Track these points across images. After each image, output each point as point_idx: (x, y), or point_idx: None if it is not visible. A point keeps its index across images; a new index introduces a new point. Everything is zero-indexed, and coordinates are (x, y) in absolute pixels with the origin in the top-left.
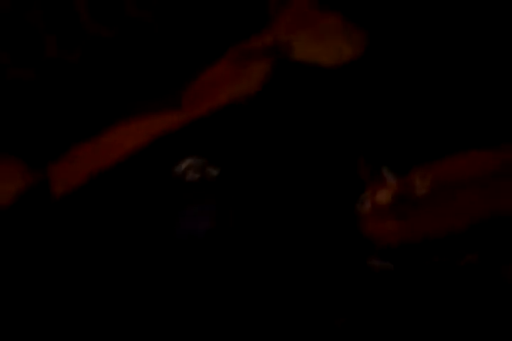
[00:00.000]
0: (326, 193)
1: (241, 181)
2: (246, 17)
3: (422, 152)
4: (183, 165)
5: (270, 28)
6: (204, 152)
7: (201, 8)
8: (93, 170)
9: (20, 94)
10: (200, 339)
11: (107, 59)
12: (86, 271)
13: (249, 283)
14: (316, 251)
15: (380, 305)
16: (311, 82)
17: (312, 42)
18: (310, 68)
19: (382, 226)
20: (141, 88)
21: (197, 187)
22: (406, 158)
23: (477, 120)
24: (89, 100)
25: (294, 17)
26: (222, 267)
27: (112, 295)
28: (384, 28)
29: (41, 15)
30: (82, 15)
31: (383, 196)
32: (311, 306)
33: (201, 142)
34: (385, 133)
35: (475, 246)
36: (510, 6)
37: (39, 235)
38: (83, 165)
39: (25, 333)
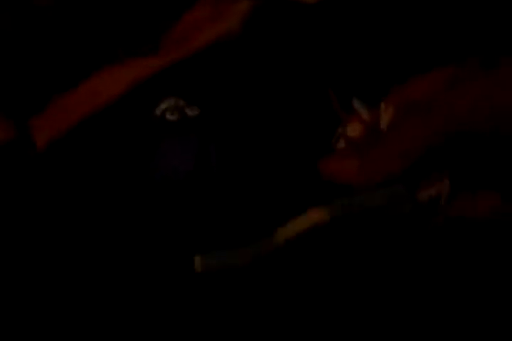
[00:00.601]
0: (303, 129)
1: (221, 121)
2: None
3: (390, 80)
4: (162, 106)
5: None
6: (183, 93)
7: None
8: (76, 119)
9: None
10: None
11: (82, 5)
12: (73, 219)
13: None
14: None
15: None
16: (292, 20)
17: None
18: (290, 4)
19: (343, 165)
20: (121, 35)
21: (176, 127)
22: (376, 87)
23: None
24: (69, 49)
25: None
26: (204, 207)
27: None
28: None
29: None
30: None
31: (355, 129)
32: None
33: (180, 83)
34: (355, 64)
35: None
36: None
37: (24, 186)
38: (66, 115)
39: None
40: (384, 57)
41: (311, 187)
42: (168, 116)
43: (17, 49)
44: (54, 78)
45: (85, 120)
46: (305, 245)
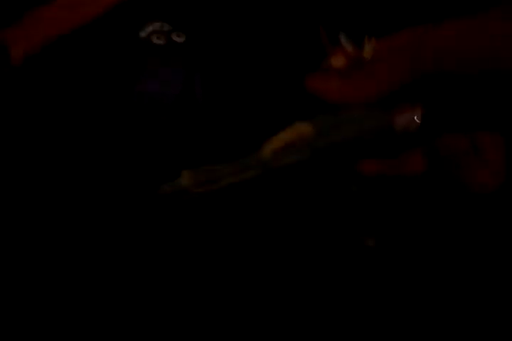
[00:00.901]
0: (288, 58)
1: (207, 49)
2: None
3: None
4: (148, 29)
5: None
6: (169, 18)
7: None
8: (53, 33)
9: None
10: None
11: None
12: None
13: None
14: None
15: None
16: None
17: None
18: None
19: (326, 83)
20: None
21: (163, 51)
22: (362, 26)
23: None
24: None
25: None
26: (190, 127)
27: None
28: None
29: None
30: None
31: (339, 60)
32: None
33: (166, 8)
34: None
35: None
36: None
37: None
38: (44, 28)
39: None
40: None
41: (297, 105)
42: (155, 40)
43: None
44: None
45: (64, 36)
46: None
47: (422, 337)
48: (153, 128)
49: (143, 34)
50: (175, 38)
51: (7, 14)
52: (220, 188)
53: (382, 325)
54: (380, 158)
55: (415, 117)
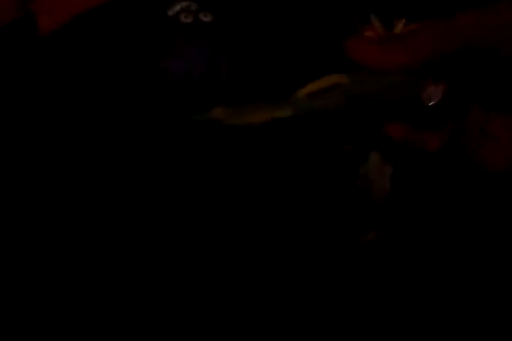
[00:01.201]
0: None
1: (234, 30)
2: None
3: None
4: (176, 8)
5: None
6: None
7: None
8: (83, 6)
9: None
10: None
11: None
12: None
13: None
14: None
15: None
16: None
17: None
18: None
19: (363, 48)
20: None
21: (190, 29)
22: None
23: None
24: None
25: None
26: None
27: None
28: None
29: None
30: None
31: (369, 34)
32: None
33: None
34: None
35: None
36: None
37: (25, 71)
38: (67, 3)
39: None
40: None
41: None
42: (182, 18)
43: None
44: None
45: (92, 10)
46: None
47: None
48: (178, 106)
49: (170, 12)
50: (202, 17)
51: None
52: (249, 124)
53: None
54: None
55: (439, 91)
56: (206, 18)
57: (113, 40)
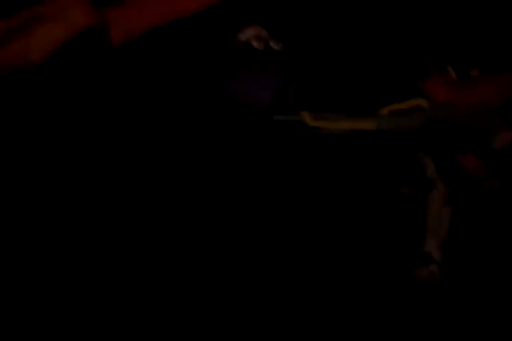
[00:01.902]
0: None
1: (304, 60)
2: None
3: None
4: (248, 33)
5: None
6: (268, 25)
7: None
8: (156, 21)
9: None
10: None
11: None
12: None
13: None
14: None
15: None
16: None
17: None
18: None
19: (438, 89)
20: None
21: (261, 55)
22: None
23: None
24: None
25: None
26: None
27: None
28: None
29: None
30: None
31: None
32: None
33: (265, 14)
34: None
35: None
36: None
37: (92, 80)
38: (147, 15)
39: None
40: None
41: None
42: (254, 44)
43: None
44: None
45: (163, 26)
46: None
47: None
48: (242, 129)
49: (242, 37)
50: (273, 45)
51: None
52: (332, 131)
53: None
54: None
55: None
56: (277, 47)
57: (182, 59)
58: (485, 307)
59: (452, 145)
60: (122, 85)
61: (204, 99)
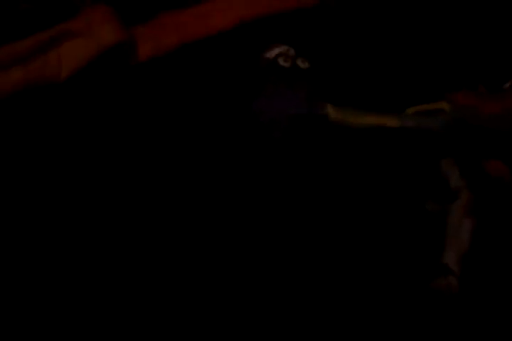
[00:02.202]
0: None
1: (331, 78)
2: None
3: None
4: (275, 51)
5: None
6: (295, 43)
7: None
8: (184, 39)
9: None
10: None
11: None
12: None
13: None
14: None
15: None
16: None
17: None
18: None
19: (468, 99)
20: None
21: (288, 74)
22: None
23: None
24: None
25: None
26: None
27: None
28: None
29: None
30: None
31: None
32: None
33: (292, 32)
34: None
35: None
36: None
37: (117, 96)
38: (175, 32)
39: None
40: None
41: None
42: (281, 62)
43: None
44: None
45: (191, 44)
46: None
47: None
48: (266, 147)
49: (268, 55)
50: (299, 63)
51: (141, 11)
52: (355, 125)
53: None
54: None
55: None
56: (304, 65)
57: (208, 76)
58: (502, 322)
59: (478, 149)
60: (147, 101)
61: (229, 117)
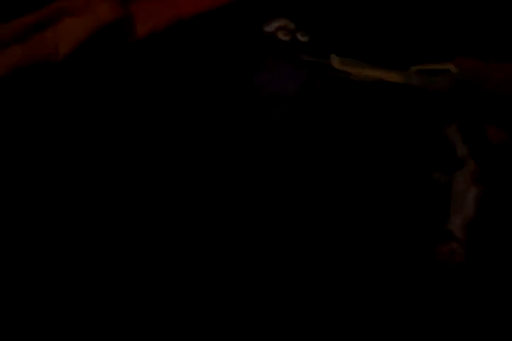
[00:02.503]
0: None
1: (330, 49)
2: None
3: None
4: (274, 25)
5: None
6: (294, 17)
7: None
8: (183, 14)
9: None
10: None
11: None
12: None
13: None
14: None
15: None
16: None
17: None
18: None
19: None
20: None
21: (287, 48)
22: None
23: None
24: None
25: None
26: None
27: None
28: None
29: None
30: None
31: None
32: None
33: (292, 6)
34: None
35: None
36: None
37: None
38: (168, 8)
39: None
40: None
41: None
42: (280, 36)
43: None
44: None
45: (189, 19)
46: None
47: None
48: (268, 121)
49: (268, 28)
50: (299, 37)
51: None
52: (359, 77)
53: None
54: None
55: None
56: (303, 38)
57: (208, 51)
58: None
59: (480, 113)
60: (146, 78)
61: (230, 91)
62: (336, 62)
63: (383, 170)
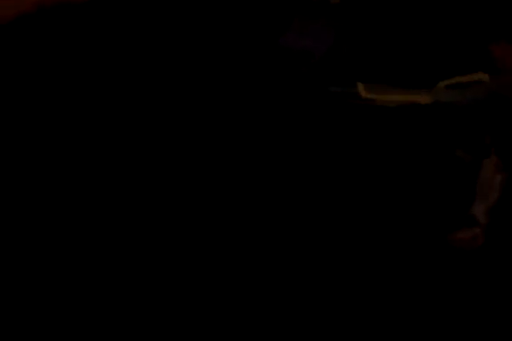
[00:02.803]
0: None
1: (362, 14)
2: None
3: None
4: None
5: None
6: None
7: None
8: None
9: None
10: None
11: None
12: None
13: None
14: None
15: None
16: None
17: None
18: None
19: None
20: None
21: (317, 9)
22: None
23: None
24: None
25: None
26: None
27: None
28: None
29: None
30: None
31: None
32: None
33: None
34: None
35: None
36: None
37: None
38: None
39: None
40: None
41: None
42: None
43: None
44: None
45: None
46: None
47: None
48: (292, 78)
49: None
50: None
51: None
52: (386, 103)
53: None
54: None
55: None
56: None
57: (237, 10)
58: None
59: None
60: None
61: (257, 50)
62: (361, 90)
63: (407, 146)
